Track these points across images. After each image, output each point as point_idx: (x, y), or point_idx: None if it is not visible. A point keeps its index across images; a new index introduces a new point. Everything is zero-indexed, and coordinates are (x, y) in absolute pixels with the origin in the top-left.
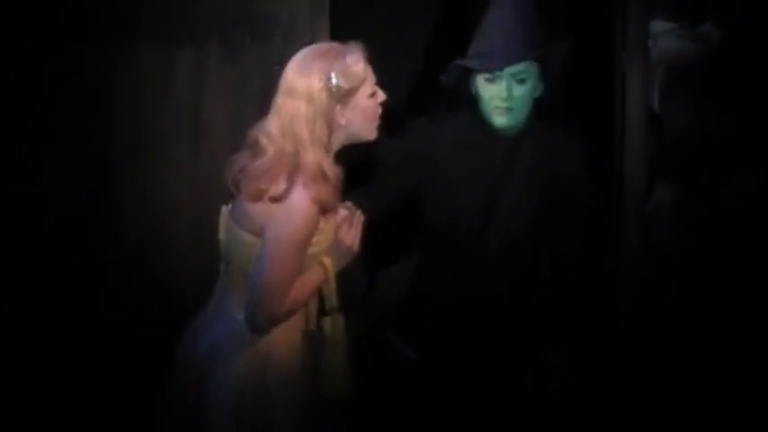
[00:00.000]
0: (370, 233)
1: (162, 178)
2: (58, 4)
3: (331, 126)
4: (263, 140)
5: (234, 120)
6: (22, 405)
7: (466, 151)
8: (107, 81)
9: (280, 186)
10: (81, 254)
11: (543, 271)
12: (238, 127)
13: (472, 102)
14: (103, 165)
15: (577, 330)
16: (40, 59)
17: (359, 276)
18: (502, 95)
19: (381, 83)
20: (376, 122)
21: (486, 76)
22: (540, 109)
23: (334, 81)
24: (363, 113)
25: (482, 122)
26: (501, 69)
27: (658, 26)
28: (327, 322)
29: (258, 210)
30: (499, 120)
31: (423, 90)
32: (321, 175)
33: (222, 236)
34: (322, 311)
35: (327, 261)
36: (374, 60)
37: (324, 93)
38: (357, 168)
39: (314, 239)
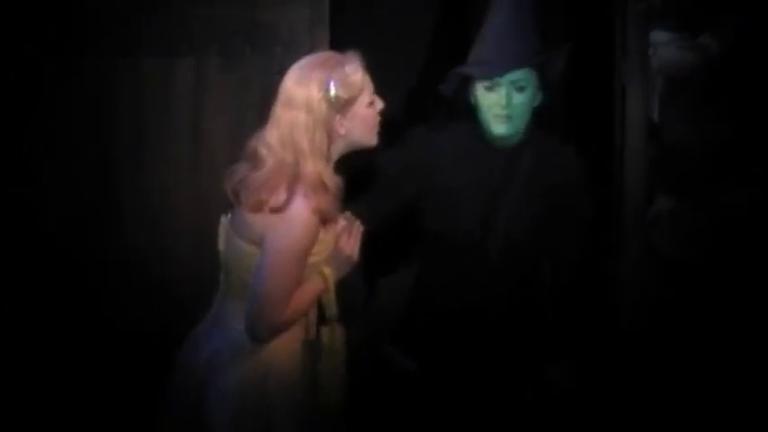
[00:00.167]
0: (370, 242)
1: (162, 186)
2: (60, 15)
3: (330, 135)
4: (263, 151)
5: (234, 129)
6: (22, 409)
7: (465, 161)
8: (108, 89)
9: (280, 197)
10: (81, 260)
11: (543, 280)
12: (238, 136)
13: (471, 111)
14: (104, 172)
15: (578, 339)
16: (41, 68)
17: (358, 286)
18: (501, 103)
19: (381, 92)
20: (376, 130)
21: (486, 83)
22: (540, 118)
23: (332, 91)
24: (362, 122)
25: (481, 132)
26: (500, 76)
27: (658, 36)
28: (325, 332)
29: (258, 220)
30: (499, 128)
31: (422, 99)
32: (321, 185)
33: (222, 246)
34: (322, 321)
35: (327, 271)
36: (373, 69)
37: (323, 102)
38: (357, 178)
39: (314, 249)
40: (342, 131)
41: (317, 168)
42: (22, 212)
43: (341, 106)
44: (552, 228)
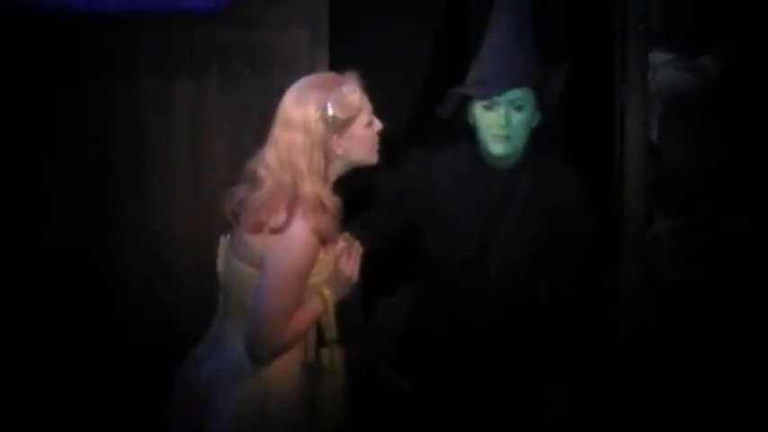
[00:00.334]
0: (369, 263)
1: (161, 207)
2: (59, 35)
3: (328, 156)
4: (262, 172)
5: (233, 150)
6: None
7: (464, 182)
8: (107, 111)
9: (280, 218)
10: (81, 282)
11: (541, 301)
12: (237, 157)
13: (470, 132)
14: (103, 192)
15: (576, 359)
16: (41, 90)
17: (357, 307)
18: (500, 123)
19: (380, 112)
20: (375, 149)
21: (484, 103)
22: (538, 140)
23: (330, 111)
24: (360, 143)
25: (480, 152)
26: (499, 95)
27: (657, 57)
28: (326, 354)
29: (257, 241)
30: (497, 148)
31: (421, 120)
32: (320, 205)
33: (221, 267)
34: (321, 342)
35: (327, 292)
36: (373, 90)
37: (320, 123)
38: (355, 199)
39: (314, 270)
40: (339, 152)
41: (315, 188)
42: (21, 232)
43: (338, 127)
44: (550, 249)
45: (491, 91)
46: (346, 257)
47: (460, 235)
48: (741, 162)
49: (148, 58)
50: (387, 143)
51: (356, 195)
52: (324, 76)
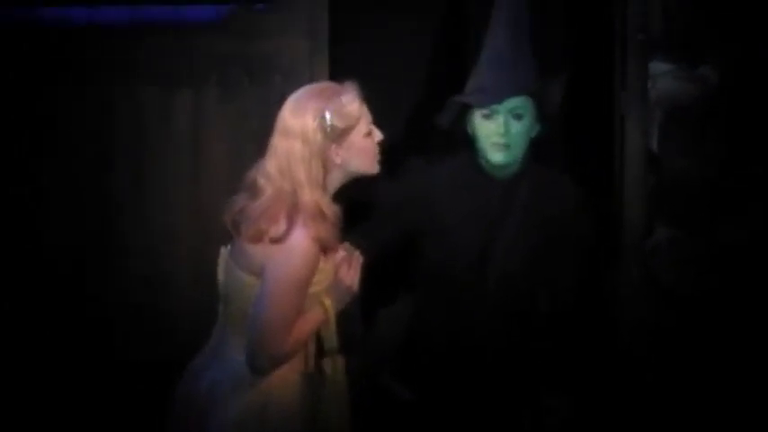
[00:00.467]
0: (369, 273)
1: (161, 215)
2: (60, 45)
3: (326, 165)
4: (261, 181)
5: (233, 159)
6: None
7: (463, 192)
8: (106, 119)
9: (280, 227)
10: (80, 291)
11: (541, 310)
12: (237, 166)
13: (469, 142)
14: (103, 202)
15: (576, 368)
16: (41, 99)
17: (357, 316)
18: (499, 131)
19: (380, 123)
20: (375, 159)
21: (484, 112)
22: (537, 150)
23: (328, 120)
24: (359, 152)
25: (479, 163)
26: (498, 103)
27: (657, 67)
28: (328, 363)
29: (258, 250)
30: (497, 156)
31: (421, 130)
32: (319, 214)
33: (221, 277)
34: (321, 353)
35: (328, 302)
36: (372, 100)
37: (318, 132)
38: (355, 208)
39: (314, 279)
40: (338, 161)
41: (314, 197)
42: (20, 241)
43: (336, 136)
44: (550, 258)
45: (490, 99)
46: (347, 267)
47: (460, 244)
48: (741, 171)
49: (148, 68)
50: (386, 153)
51: (356, 205)
52: (322, 85)
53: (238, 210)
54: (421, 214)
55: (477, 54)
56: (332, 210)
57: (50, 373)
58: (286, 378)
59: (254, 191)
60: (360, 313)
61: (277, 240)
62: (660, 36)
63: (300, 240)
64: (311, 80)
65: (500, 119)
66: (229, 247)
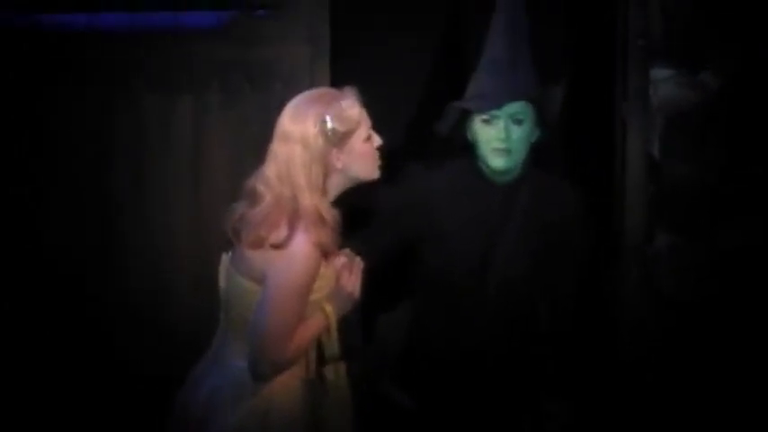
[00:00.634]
0: (369, 279)
1: (162, 221)
2: (60, 51)
3: (327, 170)
4: (261, 187)
5: (234, 165)
6: None
7: (463, 197)
8: (107, 127)
9: (281, 233)
10: (81, 299)
11: (541, 316)
12: (238, 172)
13: (469, 148)
14: (104, 206)
15: (577, 374)
16: (42, 104)
17: (357, 323)
18: (500, 136)
19: (381, 128)
20: (376, 163)
21: (484, 117)
22: (538, 155)
23: (329, 125)
24: (360, 157)
25: (479, 168)
26: (498, 108)
27: (658, 73)
28: (329, 369)
29: (259, 256)
30: (497, 162)
31: (423, 136)
32: (319, 219)
33: (222, 283)
34: (321, 361)
35: (329, 308)
36: (374, 105)
37: (319, 137)
38: (355, 214)
39: (315, 285)
40: (339, 166)
41: (315, 202)
42: (20, 241)
43: (337, 140)
44: (550, 264)
45: (490, 105)
46: (347, 273)
47: (460, 250)
48: (741, 177)
49: (149, 75)
50: (386, 158)
51: (355, 211)
52: (321, 90)
53: (238, 217)
54: (420, 220)
55: (476, 60)
56: (332, 215)
57: (50, 374)
58: (287, 384)
59: (254, 198)
60: (359, 320)
61: (278, 246)
62: (661, 42)
63: (302, 246)
64: (312, 86)
65: (500, 124)
66: (230, 253)
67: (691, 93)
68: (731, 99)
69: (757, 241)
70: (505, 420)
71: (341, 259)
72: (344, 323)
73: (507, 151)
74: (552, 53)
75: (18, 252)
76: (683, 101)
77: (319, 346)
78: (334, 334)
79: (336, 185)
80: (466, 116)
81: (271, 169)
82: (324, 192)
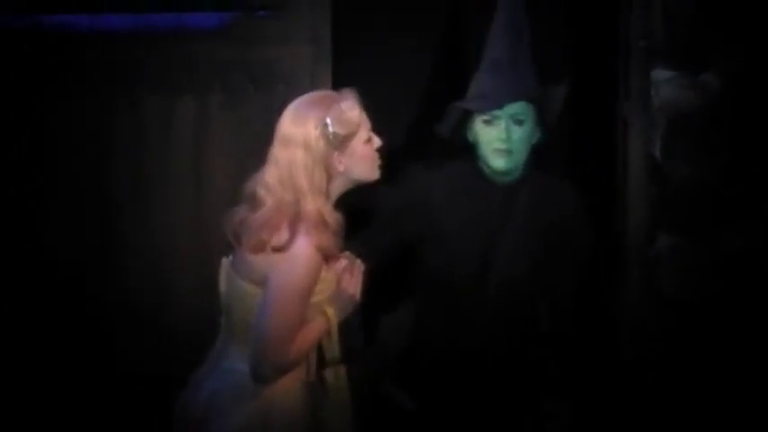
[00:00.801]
0: (370, 280)
1: (163, 224)
2: (61, 52)
3: (329, 172)
4: (261, 192)
5: (235, 166)
6: None
7: (463, 198)
8: (108, 128)
9: (282, 236)
10: (82, 302)
11: (541, 316)
12: (240, 173)
13: (470, 149)
14: (104, 209)
15: (577, 375)
16: (42, 104)
17: (358, 324)
18: (501, 137)
19: (381, 128)
20: (376, 165)
21: (485, 118)
22: (540, 156)
23: (330, 128)
24: (361, 159)
25: (479, 169)
26: (499, 108)
27: (660, 74)
28: (330, 372)
29: (260, 260)
30: (498, 162)
31: (423, 136)
32: (322, 222)
33: (223, 287)
34: (321, 362)
35: (330, 311)
36: (375, 106)
37: (321, 140)
38: (355, 216)
39: (316, 288)
40: (341, 168)
41: (317, 205)
42: (21, 242)
43: (339, 143)
44: (550, 264)
45: (491, 105)
46: (348, 276)
47: (460, 251)
48: (743, 178)
49: (151, 75)
50: (386, 159)
51: (356, 212)
52: (321, 93)
53: (239, 221)
54: (421, 220)
55: (477, 60)
56: (334, 218)
57: (50, 374)
58: (288, 387)
59: (254, 202)
60: (360, 321)
61: (280, 249)
62: (663, 43)
63: (303, 249)
64: (313, 87)
65: (501, 124)
66: (231, 257)
67: (692, 94)
68: (733, 100)
69: (758, 242)
70: (505, 420)
71: (342, 262)
72: (346, 325)
73: (508, 152)
74: (553, 53)
75: (18, 252)
76: (685, 102)
77: (320, 348)
78: (335, 337)
79: (338, 188)
80: (467, 117)
81: (272, 174)
82: (327, 195)
